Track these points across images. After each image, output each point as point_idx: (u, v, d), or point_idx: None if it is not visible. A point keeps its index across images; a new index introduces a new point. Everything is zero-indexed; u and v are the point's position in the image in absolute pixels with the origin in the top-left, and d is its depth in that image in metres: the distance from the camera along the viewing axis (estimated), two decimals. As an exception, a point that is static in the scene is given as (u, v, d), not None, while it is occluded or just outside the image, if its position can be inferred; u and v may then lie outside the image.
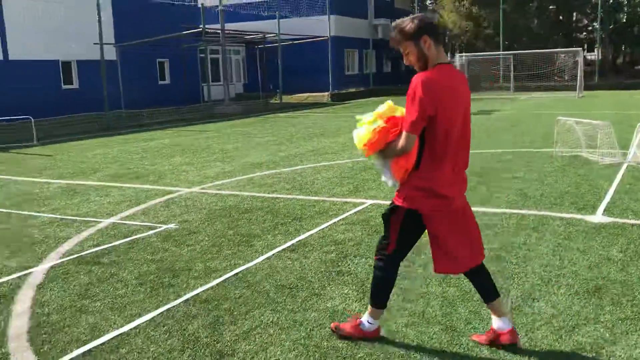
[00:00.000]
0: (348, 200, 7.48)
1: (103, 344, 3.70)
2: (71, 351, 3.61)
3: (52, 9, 21.84)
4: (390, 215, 3.34)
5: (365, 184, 8.42)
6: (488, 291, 3.44)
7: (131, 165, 11.09)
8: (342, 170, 9.71)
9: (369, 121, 3.26)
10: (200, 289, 4.56)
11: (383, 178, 3.36)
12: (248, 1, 33.88)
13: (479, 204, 6.64)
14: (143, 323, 3.98)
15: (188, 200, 7.84)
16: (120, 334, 3.83)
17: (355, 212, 6.80)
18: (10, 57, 21.26)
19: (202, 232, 6.20)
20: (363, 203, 7.25)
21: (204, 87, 29.70)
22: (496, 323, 3.42)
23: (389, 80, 40.11)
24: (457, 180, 3.28)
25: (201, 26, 24.98)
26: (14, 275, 5.05)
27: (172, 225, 6.53)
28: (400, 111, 3.26)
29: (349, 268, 4.93)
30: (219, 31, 25.56)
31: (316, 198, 7.63)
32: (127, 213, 7.23)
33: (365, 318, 3.57)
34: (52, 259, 5.47)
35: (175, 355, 3.52)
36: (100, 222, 6.82)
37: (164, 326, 3.92)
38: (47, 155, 13.24)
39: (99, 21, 19.43)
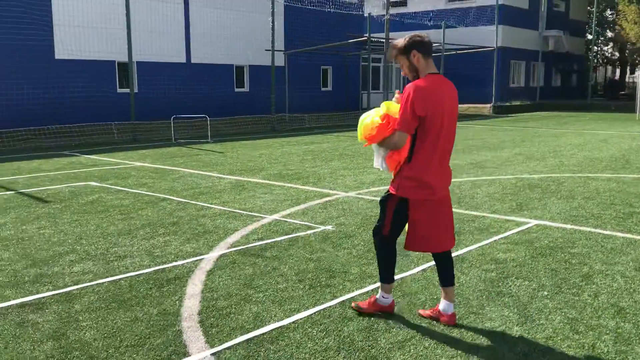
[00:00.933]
0: (510, 218, 7.13)
1: (264, 334, 3.89)
2: (236, 337, 3.84)
3: (230, 17, 23.56)
4: (386, 201, 3.94)
5: (529, 203, 7.98)
6: (447, 277, 4.00)
7: (293, 167, 11.58)
8: (505, 186, 9.30)
9: (372, 119, 3.82)
10: (355, 292, 4.62)
11: (375, 164, 3.97)
12: (414, 10, 33.85)
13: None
14: (301, 319, 4.12)
15: (344, 204, 8.00)
16: (280, 326, 4.00)
17: (518, 232, 6.47)
18: (192, 61, 23.27)
19: (358, 237, 6.28)
20: (527, 223, 6.88)
21: (364, 95, 30.20)
22: (442, 305, 4.02)
23: (558, 95, 37.74)
24: (443, 174, 3.84)
25: (366, 35, 25.42)
26: (189, 260, 5.50)
27: (329, 227, 6.70)
28: (395, 109, 3.77)
29: (510, 289, 4.69)
30: (383, 40, 25.80)
31: (476, 213, 7.38)
32: (288, 211, 7.55)
33: (379, 294, 4.14)
34: (221, 248, 5.88)
35: (331, 354, 3.60)
36: (264, 217, 7.20)
37: (320, 324, 4.02)
38: (219, 152, 14.30)
39: (272, 29, 20.57)
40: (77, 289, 4.75)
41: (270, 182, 9.75)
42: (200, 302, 4.46)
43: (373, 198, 8.37)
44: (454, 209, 4.69)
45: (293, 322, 4.06)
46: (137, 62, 19.71)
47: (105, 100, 19.56)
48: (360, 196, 8.55)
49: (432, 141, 3.69)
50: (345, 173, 10.74)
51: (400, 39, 3.79)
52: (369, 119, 3.83)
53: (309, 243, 6.05)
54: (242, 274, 5.08)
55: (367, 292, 4.64)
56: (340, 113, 25.20)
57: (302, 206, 7.88)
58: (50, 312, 4.27)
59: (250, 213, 7.45)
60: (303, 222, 6.94)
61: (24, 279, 4.98)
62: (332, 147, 15.16)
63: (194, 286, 4.80)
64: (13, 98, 17.22)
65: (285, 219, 7.12)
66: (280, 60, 24.53)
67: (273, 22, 20.59)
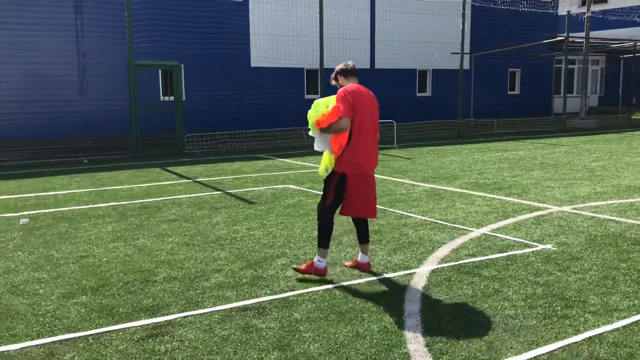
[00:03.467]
0: None
1: (503, 368, 3.43)
2: (471, 368, 3.44)
3: (414, 21, 23.20)
4: (330, 178, 5.04)
5: None
6: (363, 236, 5.30)
7: (490, 175, 10.87)
8: None
9: (321, 108, 4.94)
10: (603, 328, 3.96)
11: (315, 146, 5.11)
12: (616, 7, 30.66)
13: None
14: (543, 355, 3.59)
15: (561, 220, 7.19)
16: (520, 361, 3.51)
17: None
18: (376, 66, 23.32)
19: (587, 260, 5.52)
20: None
21: (555, 99, 28.01)
22: (360, 257, 5.32)
23: None
24: (371, 156, 5.07)
25: (563, 35, 23.50)
26: (399, 273, 5.21)
27: (548, 246, 6.00)
28: (332, 103, 4.96)
29: None
30: (582, 39, 23.69)
31: None
32: (496, 225, 6.96)
33: (316, 258, 5.08)
34: (431, 263, 5.51)
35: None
36: (471, 231, 6.70)
37: (568, 364, 3.46)
38: (406, 158, 14.00)
39: (462, 31, 19.83)
40: (294, 295, 4.69)
41: (469, 192, 9.18)
42: (421, 322, 4.13)
43: (593, 215, 7.43)
44: None
45: (534, 358, 3.55)
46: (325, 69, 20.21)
47: (294, 106, 20.32)
48: (577, 212, 7.65)
49: (358, 129, 4.94)
50: (551, 184, 9.78)
51: (337, 66, 5.26)
52: (322, 107, 4.93)
53: (530, 264, 5.43)
54: (461, 294, 4.66)
55: (617, 328, 3.95)
56: (532, 118, 23.57)
57: (511, 220, 7.23)
58: (272, 318, 4.22)
59: (454, 225, 6.99)
60: (517, 239, 6.31)
61: (242, 280, 5.06)
62: (530, 155, 14.06)
63: (412, 303, 4.48)
64: (214, 102, 18.58)
65: (495, 234, 6.54)
66: (465, 63, 23.63)
67: (463, 24, 19.84)
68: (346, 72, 5.20)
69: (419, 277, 5.09)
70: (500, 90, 26.48)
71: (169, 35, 17.29)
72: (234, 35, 18.99)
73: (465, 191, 9.26)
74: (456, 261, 5.54)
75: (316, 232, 6.64)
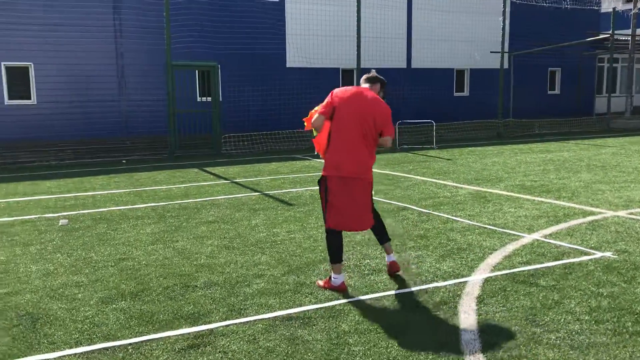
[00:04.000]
0: None
1: (574, 391, 3.14)
2: (538, 390, 3.16)
3: (452, 20, 22.74)
4: (319, 184, 4.89)
5: None
6: (381, 235, 5.14)
7: (536, 178, 10.45)
8: None
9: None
10: (681, 348, 3.62)
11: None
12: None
13: None
14: (618, 377, 3.28)
15: (617, 225, 6.78)
16: (593, 383, 3.21)
17: None
18: (412, 66, 22.94)
19: (652, 270, 5.15)
20: None
21: (598, 99, 27.15)
22: (387, 258, 5.14)
23: None
24: (353, 160, 4.70)
25: (607, 32, 22.74)
26: (450, 282, 4.93)
27: (608, 254, 5.64)
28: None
29: None
30: (627, 37, 22.89)
31: None
32: (548, 231, 6.60)
33: (331, 275, 4.80)
34: (483, 270, 5.21)
35: None
36: (522, 236, 6.36)
37: (648, 388, 3.14)
38: (447, 159, 13.63)
39: (503, 29, 19.32)
40: (340, 304, 4.46)
41: (515, 195, 8.81)
42: (479, 336, 3.85)
43: (652, 220, 7.01)
44: None
45: (608, 380, 3.24)
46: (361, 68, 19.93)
47: (331, 106, 20.09)
48: (633, 217, 7.23)
49: (337, 130, 4.75)
50: (602, 187, 9.33)
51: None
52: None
53: (590, 273, 5.09)
54: (519, 306, 4.35)
55: (696, 348, 3.61)
56: (573, 118, 22.86)
57: (564, 225, 6.86)
58: (318, 329, 4.00)
59: (503, 230, 6.66)
60: (572, 246, 5.96)
61: (284, 287, 4.86)
62: (575, 157, 13.54)
63: (467, 315, 4.21)
64: (250, 103, 18.49)
65: (548, 240, 6.19)
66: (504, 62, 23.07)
67: (504, 21, 19.32)
68: (362, 79, 5.12)
69: (472, 287, 4.80)
70: (539, 89, 25.79)
71: (205, 35, 17.27)
72: (270, 36, 18.88)
73: (512, 194, 8.89)
74: (510, 269, 5.23)
75: (358, 237, 6.41)
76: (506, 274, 5.11)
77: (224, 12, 17.97)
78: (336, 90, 4.86)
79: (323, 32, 19.66)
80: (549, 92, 26.59)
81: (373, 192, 5.01)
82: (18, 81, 15.99)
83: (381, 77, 5.11)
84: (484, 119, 20.82)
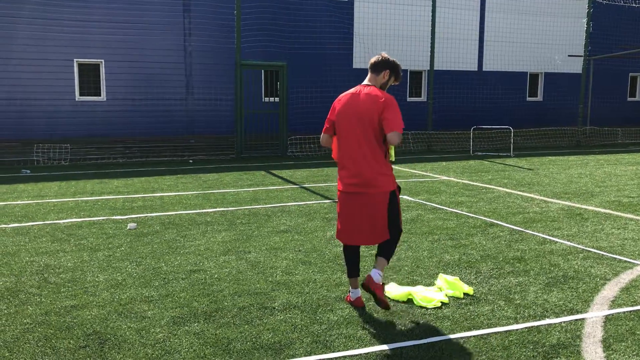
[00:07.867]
0: None
1: None
2: None
3: (526, 22, 21.61)
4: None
5: None
6: (381, 249, 4.43)
7: (633, 194, 9.50)
8: None
9: None
10: None
11: None
12: None
13: None
14: None
15: None
16: None
17: None
18: (484, 68, 21.96)
19: None
20: None
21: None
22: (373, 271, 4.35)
23: None
24: (354, 169, 4.31)
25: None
26: (564, 319, 4.26)
27: None
28: None
29: None
30: None
31: None
32: (665, 258, 5.79)
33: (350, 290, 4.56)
34: (601, 305, 4.51)
35: None
36: (636, 264, 5.59)
37: None
38: (527, 168, 12.76)
39: (587, 32, 18.15)
40: (437, 341, 3.87)
41: (614, 213, 7.96)
42: (617, 395, 3.19)
43: None
44: None
45: None
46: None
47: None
48: None
49: (339, 139, 4.41)
50: None
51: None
52: None
53: None
54: (657, 355, 3.65)
55: None
56: (658, 128, 21.32)
57: (682, 252, 6.02)
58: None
59: (611, 255, 5.89)
60: (700, 279, 5.15)
61: (372, 316, 4.31)
62: (671, 171, 12.41)
63: (595, 365, 3.55)
64: (316, 104, 18.06)
65: (669, 270, 5.40)
66: (578, 66, 21.77)
67: (588, 23, 18.14)
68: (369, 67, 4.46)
69: (593, 327, 4.12)
70: (619, 96, 24.26)
71: (272, 34, 16.96)
72: (337, 36, 18.40)
73: (610, 211, 8.04)
74: (632, 306, 4.50)
75: (446, 256, 5.81)
76: (631, 311, 4.39)
77: (291, 11, 17.62)
78: (336, 100, 4.48)
79: (391, 33, 19.04)
80: (629, 99, 25.02)
81: (399, 201, 4.38)
82: (89, 78, 16.13)
83: (391, 60, 4.36)
84: (558, 126, 19.67)
